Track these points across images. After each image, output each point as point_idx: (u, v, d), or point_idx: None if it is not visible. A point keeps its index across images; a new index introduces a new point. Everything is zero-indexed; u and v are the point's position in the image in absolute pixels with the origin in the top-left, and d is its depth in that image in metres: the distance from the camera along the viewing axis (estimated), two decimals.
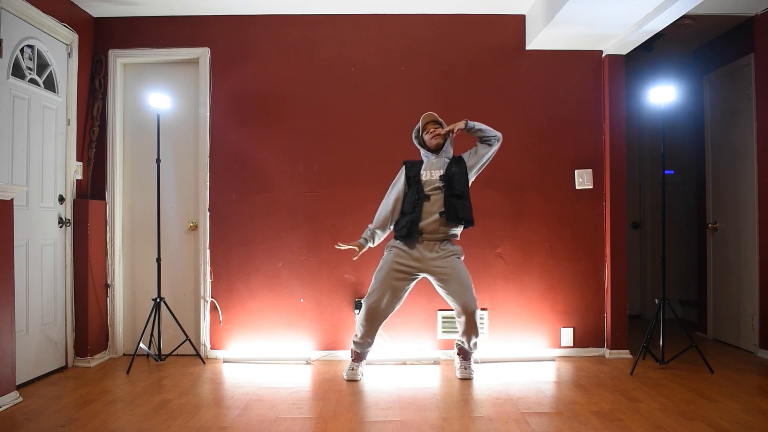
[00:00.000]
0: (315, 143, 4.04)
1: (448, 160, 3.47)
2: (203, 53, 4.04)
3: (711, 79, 4.56)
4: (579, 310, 4.03)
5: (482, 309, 4.00)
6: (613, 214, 3.99)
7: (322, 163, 4.03)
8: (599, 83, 4.07)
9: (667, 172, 4.63)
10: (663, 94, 3.61)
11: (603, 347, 4.03)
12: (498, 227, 4.03)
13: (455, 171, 3.40)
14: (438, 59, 4.06)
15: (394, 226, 3.46)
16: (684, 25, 4.10)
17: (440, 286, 3.41)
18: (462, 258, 3.47)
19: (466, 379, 3.46)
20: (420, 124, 3.48)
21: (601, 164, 4.05)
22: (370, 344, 3.51)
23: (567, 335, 4.01)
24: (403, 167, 3.52)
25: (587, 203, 4.05)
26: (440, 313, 3.99)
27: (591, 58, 4.07)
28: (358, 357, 3.55)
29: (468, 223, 3.41)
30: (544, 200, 4.04)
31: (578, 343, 4.02)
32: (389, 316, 3.45)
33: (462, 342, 3.50)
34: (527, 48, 4.05)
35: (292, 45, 4.06)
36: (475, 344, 3.51)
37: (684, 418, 2.72)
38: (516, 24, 4.06)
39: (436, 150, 3.47)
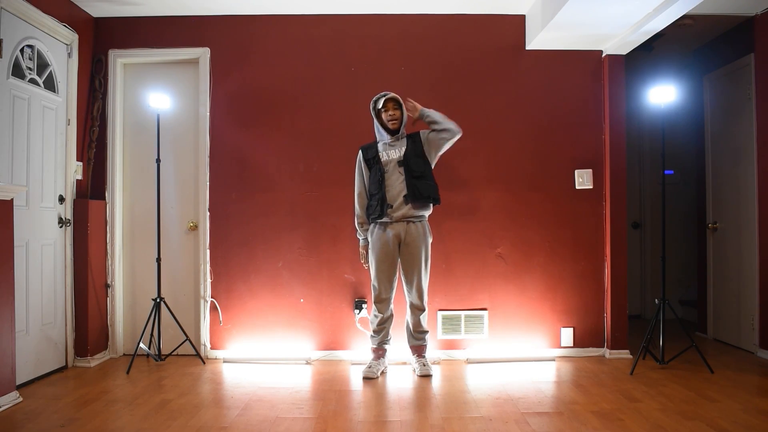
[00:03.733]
0: (315, 143, 4.04)
1: (404, 139, 3.55)
2: (203, 53, 4.04)
3: (711, 79, 4.56)
4: (579, 310, 4.03)
5: (482, 309, 4.00)
6: (613, 214, 3.99)
7: (322, 163, 4.03)
8: (599, 83, 4.07)
9: (667, 172, 4.63)
10: (663, 94, 3.61)
11: (603, 347, 4.03)
12: (498, 227, 4.03)
13: (412, 153, 3.49)
14: (438, 59, 4.06)
15: (367, 210, 3.57)
16: (684, 25, 4.10)
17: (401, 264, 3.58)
18: (430, 240, 3.59)
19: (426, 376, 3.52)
20: (380, 102, 3.51)
21: (601, 164, 4.06)
22: (387, 331, 3.63)
23: (567, 335, 4.01)
24: (360, 152, 3.63)
25: (587, 203, 4.05)
26: (440, 313, 3.99)
27: (591, 58, 4.07)
28: (375, 353, 3.63)
29: (434, 201, 3.51)
30: (544, 200, 4.04)
31: (578, 343, 4.02)
32: (394, 291, 3.60)
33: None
34: (527, 48, 4.05)
35: (292, 45, 4.06)
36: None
37: (684, 418, 2.72)
38: (516, 24, 4.06)
39: (393, 130, 3.54)
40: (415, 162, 3.47)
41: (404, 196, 3.44)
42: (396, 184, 3.47)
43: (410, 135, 3.57)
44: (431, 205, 3.55)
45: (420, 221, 3.53)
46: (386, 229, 3.51)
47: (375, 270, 3.55)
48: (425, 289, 3.57)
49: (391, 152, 3.52)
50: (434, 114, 3.49)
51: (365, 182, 3.60)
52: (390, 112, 3.50)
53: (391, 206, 3.46)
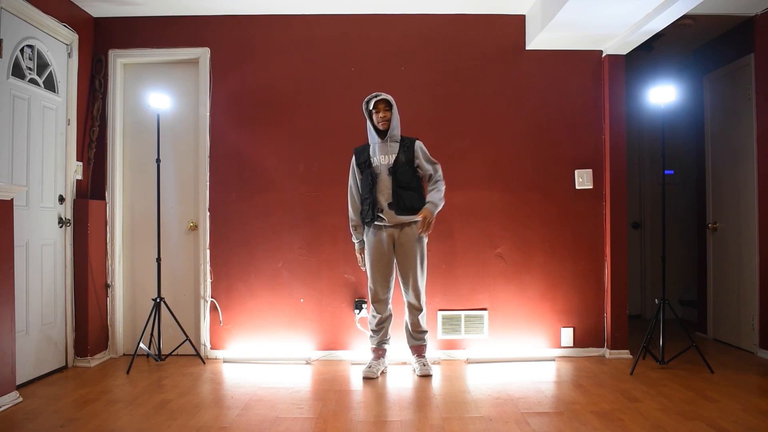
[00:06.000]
0: (315, 143, 4.04)
1: (397, 143, 3.53)
2: (203, 53, 4.04)
3: (711, 79, 4.56)
4: (579, 310, 4.03)
5: (482, 309, 4.00)
6: (613, 214, 3.99)
7: (322, 163, 4.03)
8: (599, 83, 4.07)
9: (667, 172, 4.63)
10: (663, 94, 3.61)
11: (603, 347, 4.03)
12: (498, 227, 4.03)
13: (402, 161, 3.48)
14: (438, 59, 4.06)
15: (360, 214, 3.59)
16: (684, 25, 4.10)
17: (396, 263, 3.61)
18: (425, 240, 3.60)
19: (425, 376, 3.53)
20: (372, 102, 3.51)
21: (601, 164, 4.05)
22: (386, 330, 3.64)
23: (567, 335, 4.01)
24: (353, 156, 3.64)
25: (587, 203, 4.05)
26: (440, 314, 3.99)
27: (591, 58, 4.07)
28: (375, 353, 3.63)
29: (417, 211, 3.49)
30: (544, 200, 4.04)
31: (578, 343, 4.02)
32: (392, 291, 3.62)
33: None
34: (527, 48, 4.05)
35: (292, 45, 4.06)
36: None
37: (684, 418, 2.72)
38: (516, 24, 4.06)
39: (382, 131, 3.53)
40: (402, 172, 3.47)
41: (389, 204, 3.46)
42: (385, 190, 3.48)
43: (404, 141, 3.54)
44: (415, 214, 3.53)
45: (415, 223, 3.52)
46: (381, 231, 3.52)
47: (371, 271, 3.57)
48: (422, 288, 3.57)
49: (382, 158, 3.51)
50: (436, 204, 3.48)
51: (357, 185, 3.60)
52: (381, 114, 3.49)
53: (382, 210, 3.47)
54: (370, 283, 3.59)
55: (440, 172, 3.56)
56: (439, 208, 3.49)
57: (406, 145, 3.52)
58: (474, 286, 4.02)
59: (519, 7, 3.98)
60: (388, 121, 3.50)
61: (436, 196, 3.49)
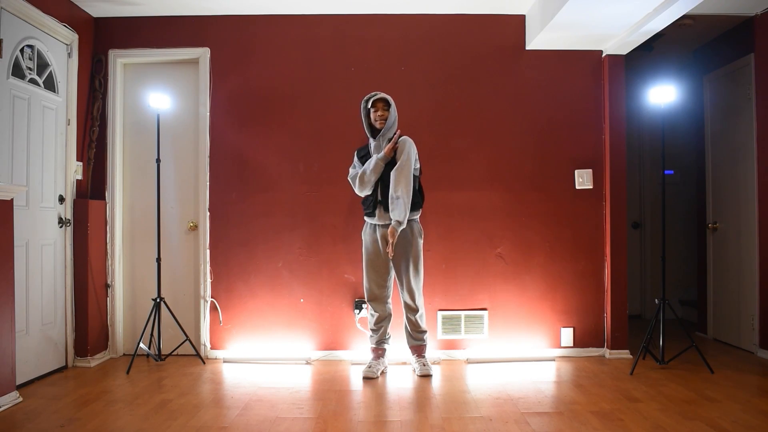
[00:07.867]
0: (315, 143, 4.04)
1: (390, 142, 3.50)
2: (203, 53, 4.04)
3: (711, 79, 4.56)
4: (579, 310, 4.03)
5: (482, 309, 4.00)
6: (613, 214, 3.99)
7: (322, 163, 4.03)
8: (599, 83, 4.07)
9: (667, 172, 4.64)
10: (663, 94, 3.61)
11: (603, 347, 4.03)
12: (498, 227, 4.03)
13: (391, 160, 3.47)
14: (438, 59, 4.06)
15: (363, 203, 3.59)
16: (684, 25, 4.10)
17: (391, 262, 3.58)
18: (420, 241, 3.57)
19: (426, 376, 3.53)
20: (371, 101, 3.50)
21: (601, 164, 4.05)
22: (385, 330, 3.65)
23: (567, 335, 4.01)
24: (355, 154, 3.68)
25: (587, 203, 4.05)
26: (440, 314, 3.99)
27: (591, 58, 4.07)
28: (375, 352, 3.64)
29: (413, 206, 3.45)
30: (544, 200, 4.04)
31: (578, 343, 4.02)
32: (390, 291, 3.63)
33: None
34: (527, 48, 4.05)
35: (292, 45, 4.06)
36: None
37: (684, 418, 2.72)
38: (516, 24, 4.06)
39: (377, 130, 3.53)
40: (387, 171, 3.45)
41: (378, 202, 3.47)
42: (385, 188, 3.47)
43: (398, 140, 3.50)
44: (414, 210, 3.50)
45: (408, 224, 3.49)
46: (376, 230, 3.53)
47: (365, 270, 3.59)
48: (416, 289, 3.56)
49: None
50: (398, 214, 3.35)
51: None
52: (378, 112, 3.49)
53: (384, 204, 3.45)
54: (364, 281, 3.60)
55: (404, 179, 3.34)
56: (404, 223, 3.35)
57: (396, 145, 3.49)
58: (474, 286, 4.02)
59: (519, 7, 3.98)
60: (386, 120, 3.50)
61: (399, 214, 3.33)
